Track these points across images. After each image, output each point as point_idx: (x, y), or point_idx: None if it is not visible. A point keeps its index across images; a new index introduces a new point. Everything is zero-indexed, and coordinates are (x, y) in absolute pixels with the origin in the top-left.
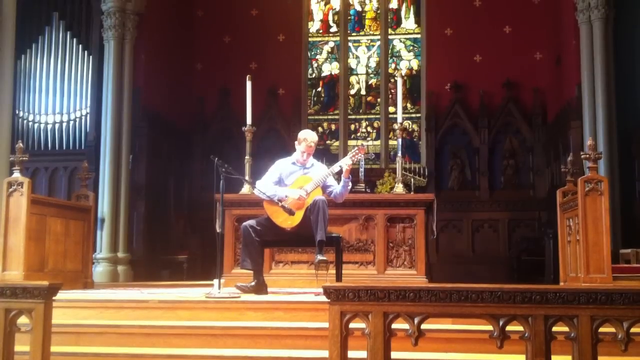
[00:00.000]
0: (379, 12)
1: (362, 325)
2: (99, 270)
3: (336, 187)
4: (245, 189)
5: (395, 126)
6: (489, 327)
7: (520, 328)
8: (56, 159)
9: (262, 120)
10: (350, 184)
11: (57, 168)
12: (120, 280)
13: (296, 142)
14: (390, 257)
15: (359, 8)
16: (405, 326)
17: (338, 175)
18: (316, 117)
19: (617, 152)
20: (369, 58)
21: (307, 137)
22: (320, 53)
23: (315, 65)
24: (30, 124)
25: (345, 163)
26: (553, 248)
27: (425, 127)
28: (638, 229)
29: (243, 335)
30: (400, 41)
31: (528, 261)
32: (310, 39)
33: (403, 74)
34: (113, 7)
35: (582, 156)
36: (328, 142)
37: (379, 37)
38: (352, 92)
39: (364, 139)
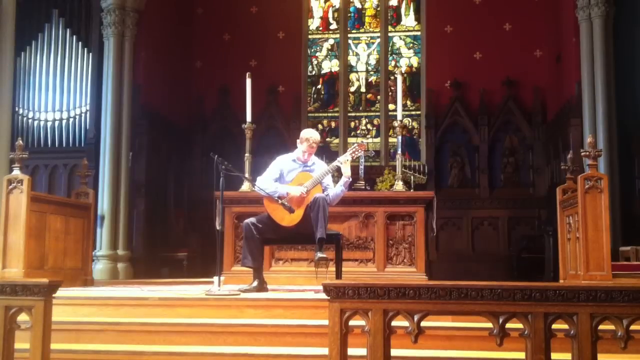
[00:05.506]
0: (378, 9)
1: (362, 322)
2: (99, 268)
3: (331, 189)
4: (245, 187)
5: (395, 124)
6: (489, 325)
7: (520, 325)
8: (56, 157)
9: (261, 118)
10: (345, 190)
11: (56, 165)
12: (120, 277)
13: (298, 141)
14: (390, 254)
15: (358, 5)
16: (405, 324)
17: (338, 173)
18: (316, 114)
19: (617, 150)
20: (368, 55)
21: (310, 137)
22: (320, 50)
23: (315, 62)
24: (30, 121)
25: (344, 159)
26: (553, 246)
27: (425, 125)
28: (638, 226)
29: (243, 333)
30: (400, 38)
31: (528, 259)
32: (310, 36)
33: (403, 72)
34: (113, 5)
35: (582, 154)
36: (328, 139)
37: (378, 34)
38: (352, 89)
39: (364, 136)
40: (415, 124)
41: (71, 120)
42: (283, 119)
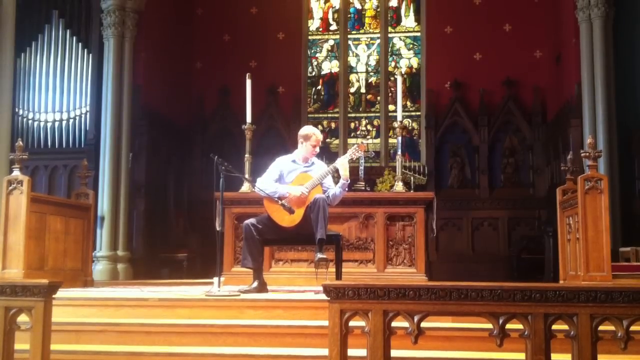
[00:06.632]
0: (378, 10)
1: (362, 323)
2: (99, 269)
3: (332, 189)
4: (245, 187)
5: (395, 124)
6: (489, 326)
7: (520, 326)
8: (56, 157)
9: (261, 119)
10: (346, 188)
11: (56, 166)
12: (120, 278)
13: (301, 139)
14: (390, 255)
15: (358, 6)
16: (405, 324)
17: (338, 174)
18: (316, 115)
19: (616, 151)
20: (368, 56)
21: (314, 132)
22: (320, 51)
23: (315, 63)
24: (30, 122)
25: (345, 159)
26: (553, 246)
27: (425, 126)
28: (638, 227)
29: (243, 334)
30: (400, 39)
31: (528, 259)
32: (310, 37)
33: (403, 72)
34: (113, 5)
35: (582, 154)
36: (328, 140)
37: (378, 35)
38: (352, 90)
39: (364, 137)
40: (415, 125)
41: (71, 121)
42: (283, 120)
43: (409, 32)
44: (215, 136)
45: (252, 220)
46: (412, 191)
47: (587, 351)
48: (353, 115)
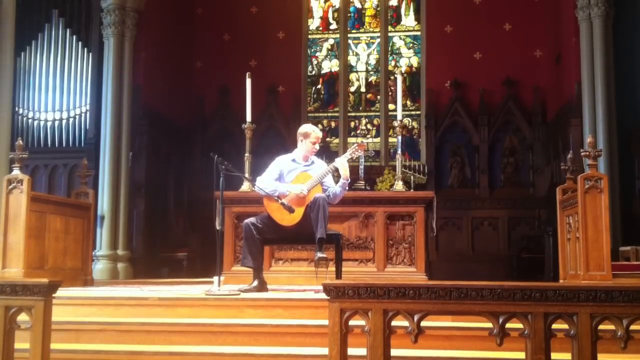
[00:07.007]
0: (378, 9)
1: (362, 322)
2: (99, 268)
3: (332, 188)
4: (245, 187)
5: (395, 124)
6: (489, 325)
7: (520, 325)
8: (56, 157)
9: (261, 118)
10: (347, 187)
11: (56, 165)
12: (120, 277)
13: (300, 137)
14: (390, 254)
15: (358, 5)
16: (405, 323)
17: (338, 173)
18: (316, 114)
19: (617, 150)
20: (368, 55)
21: (314, 129)
22: (320, 50)
23: (315, 62)
24: (30, 121)
25: (344, 159)
26: (553, 246)
27: (425, 125)
28: (638, 226)
29: (243, 333)
30: (400, 38)
31: (528, 259)
32: (310, 36)
33: (403, 72)
34: (113, 5)
35: (582, 154)
36: (328, 139)
37: (378, 34)
38: (352, 89)
39: (364, 136)
40: (415, 124)
41: (71, 120)
42: (283, 119)
43: (409, 31)
44: (215, 136)
45: (252, 220)
46: (412, 190)
47: (587, 350)
48: (353, 114)
